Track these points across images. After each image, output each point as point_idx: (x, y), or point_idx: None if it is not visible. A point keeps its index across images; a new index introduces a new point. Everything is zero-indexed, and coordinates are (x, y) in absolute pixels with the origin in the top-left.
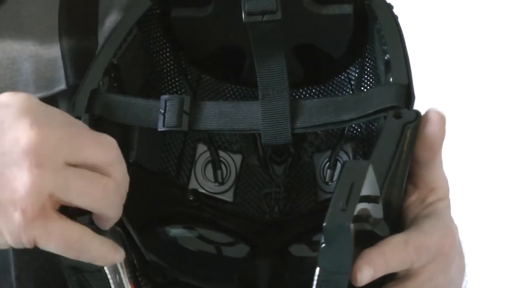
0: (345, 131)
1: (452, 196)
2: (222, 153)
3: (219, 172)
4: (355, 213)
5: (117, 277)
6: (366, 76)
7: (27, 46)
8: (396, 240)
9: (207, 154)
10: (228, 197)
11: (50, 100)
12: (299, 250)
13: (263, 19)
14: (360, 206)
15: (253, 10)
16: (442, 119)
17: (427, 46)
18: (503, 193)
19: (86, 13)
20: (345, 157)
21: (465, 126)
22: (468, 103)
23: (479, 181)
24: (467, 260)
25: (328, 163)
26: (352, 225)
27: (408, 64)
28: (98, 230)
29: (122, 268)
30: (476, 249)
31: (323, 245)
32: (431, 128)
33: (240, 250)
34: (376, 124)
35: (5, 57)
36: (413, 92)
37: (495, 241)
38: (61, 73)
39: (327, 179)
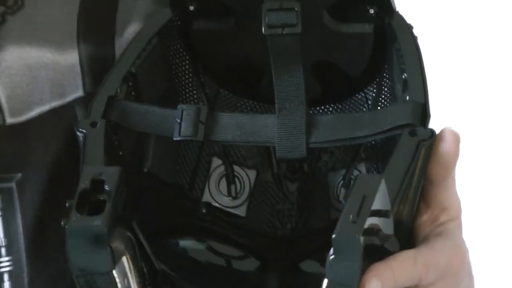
0: (360, 150)
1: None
2: (236, 168)
3: (233, 186)
4: (366, 226)
5: (126, 281)
6: (383, 96)
7: (44, 53)
8: (405, 256)
9: (222, 168)
10: (241, 212)
11: (67, 108)
12: (309, 266)
13: (283, 32)
14: (371, 220)
15: (273, 23)
16: (456, 138)
17: (443, 66)
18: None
19: (104, 21)
20: None
21: (478, 145)
22: (483, 123)
23: (490, 199)
24: (475, 281)
25: (342, 182)
26: (362, 238)
27: (425, 83)
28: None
29: (131, 272)
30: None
31: (332, 256)
32: (445, 147)
33: (250, 264)
34: (391, 144)
35: (22, 64)
36: (429, 111)
37: (500, 258)
38: (78, 79)
39: (340, 198)
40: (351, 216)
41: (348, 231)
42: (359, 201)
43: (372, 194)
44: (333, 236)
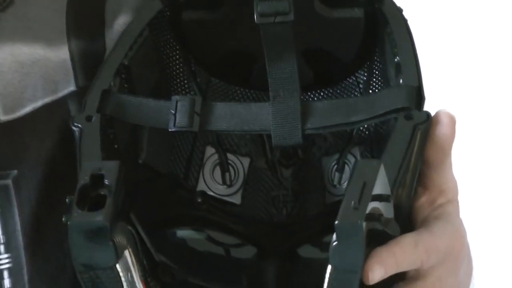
0: (353, 135)
1: (460, 197)
2: (230, 156)
3: (227, 174)
4: (367, 211)
5: (129, 275)
6: (374, 80)
7: (35, 49)
8: (407, 240)
9: (215, 156)
10: (236, 199)
11: (60, 103)
12: (307, 251)
13: (275, 20)
14: (372, 205)
15: (265, 11)
16: (452, 120)
17: (435, 49)
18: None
19: (93, 14)
20: (353, 160)
21: (473, 128)
22: (476, 105)
23: (486, 182)
24: (474, 263)
25: (336, 166)
26: (364, 224)
27: (418, 66)
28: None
29: (133, 266)
30: (481, 250)
31: (335, 243)
32: (441, 130)
33: (247, 252)
34: (384, 128)
35: (14, 60)
36: (423, 93)
37: (498, 242)
38: (70, 74)
39: (335, 182)
40: (353, 202)
41: (351, 218)
42: (359, 187)
43: (372, 179)
44: (336, 222)
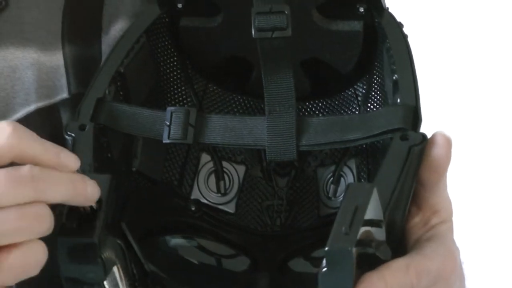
0: (349, 147)
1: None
2: (225, 164)
3: (222, 182)
4: (358, 236)
5: None
6: (373, 93)
7: (29, 53)
8: (398, 264)
9: (211, 164)
10: (230, 208)
11: (52, 109)
12: (298, 265)
13: (273, 36)
14: (364, 229)
15: (263, 26)
16: (448, 142)
17: (434, 65)
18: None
19: (89, 20)
20: (349, 173)
21: (469, 149)
22: (475, 124)
23: (482, 198)
24: (467, 282)
25: (331, 178)
26: (354, 249)
27: (416, 85)
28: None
29: (121, 280)
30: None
31: (325, 269)
32: (437, 151)
33: (240, 263)
34: (381, 141)
35: (7, 65)
36: (420, 114)
37: (494, 258)
38: (63, 81)
39: (330, 194)
40: (344, 227)
41: (341, 244)
42: (351, 212)
43: (364, 204)
44: (326, 248)
